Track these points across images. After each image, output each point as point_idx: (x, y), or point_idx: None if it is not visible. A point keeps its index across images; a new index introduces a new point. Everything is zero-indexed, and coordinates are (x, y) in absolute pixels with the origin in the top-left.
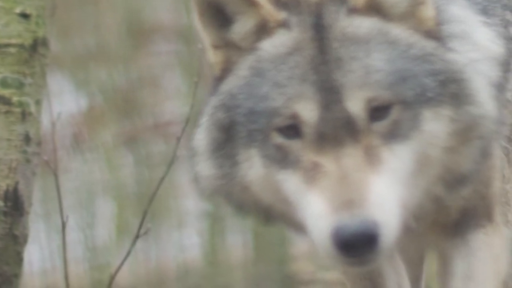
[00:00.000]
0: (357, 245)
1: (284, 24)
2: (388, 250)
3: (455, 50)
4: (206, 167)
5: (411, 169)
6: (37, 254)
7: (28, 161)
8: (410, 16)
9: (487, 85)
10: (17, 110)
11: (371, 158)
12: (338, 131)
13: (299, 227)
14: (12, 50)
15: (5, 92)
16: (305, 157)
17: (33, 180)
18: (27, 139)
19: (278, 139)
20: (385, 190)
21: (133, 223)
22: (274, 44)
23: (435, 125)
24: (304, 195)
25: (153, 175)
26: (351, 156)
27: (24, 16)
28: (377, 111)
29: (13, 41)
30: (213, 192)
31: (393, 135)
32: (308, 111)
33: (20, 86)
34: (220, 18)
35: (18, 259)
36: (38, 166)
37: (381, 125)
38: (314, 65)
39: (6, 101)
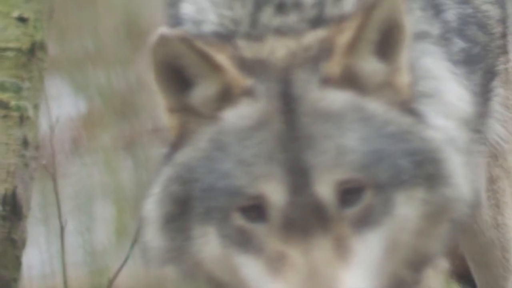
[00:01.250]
0: None
1: (249, 93)
2: None
3: (432, 126)
4: (156, 239)
5: (380, 257)
6: (36, 258)
7: (26, 165)
8: (386, 86)
9: (463, 165)
10: (15, 114)
11: (342, 250)
12: (307, 218)
13: None
14: (10, 54)
15: (3, 96)
16: (270, 244)
17: (31, 184)
18: (25, 143)
19: (239, 220)
20: (357, 286)
21: (132, 227)
22: (239, 115)
23: (408, 209)
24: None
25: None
26: (321, 248)
27: (22, 20)
28: (348, 195)
29: (11, 45)
30: (163, 264)
31: (365, 222)
32: (276, 193)
33: (18, 90)
34: (179, 80)
35: (17, 263)
36: (36, 170)
37: (352, 211)
38: (282, 142)
39: (4, 105)
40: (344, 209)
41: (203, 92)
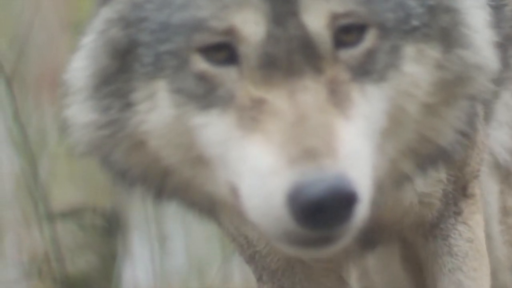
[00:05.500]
0: (328, 209)
1: None
2: (360, 225)
3: None
4: (83, 111)
5: (382, 123)
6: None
7: None
8: None
9: (487, 26)
10: None
11: (337, 96)
12: (292, 56)
13: (215, 201)
14: None
15: None
16: (242, 91)
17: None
18: None
19: (201, 64)
20: (357, 140)
21: None
22: None
23: (418, 67)
24: (240, 145)
25: None
26: (311, 90)
27: None
28: (346, 33)
29: None
30: (90, 149)
31: (366, 70)
32: (251, 24)
33: None
34: None
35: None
36: None
37: (350, 54)
38: None
39: None
40: (340, 49)
41: None
